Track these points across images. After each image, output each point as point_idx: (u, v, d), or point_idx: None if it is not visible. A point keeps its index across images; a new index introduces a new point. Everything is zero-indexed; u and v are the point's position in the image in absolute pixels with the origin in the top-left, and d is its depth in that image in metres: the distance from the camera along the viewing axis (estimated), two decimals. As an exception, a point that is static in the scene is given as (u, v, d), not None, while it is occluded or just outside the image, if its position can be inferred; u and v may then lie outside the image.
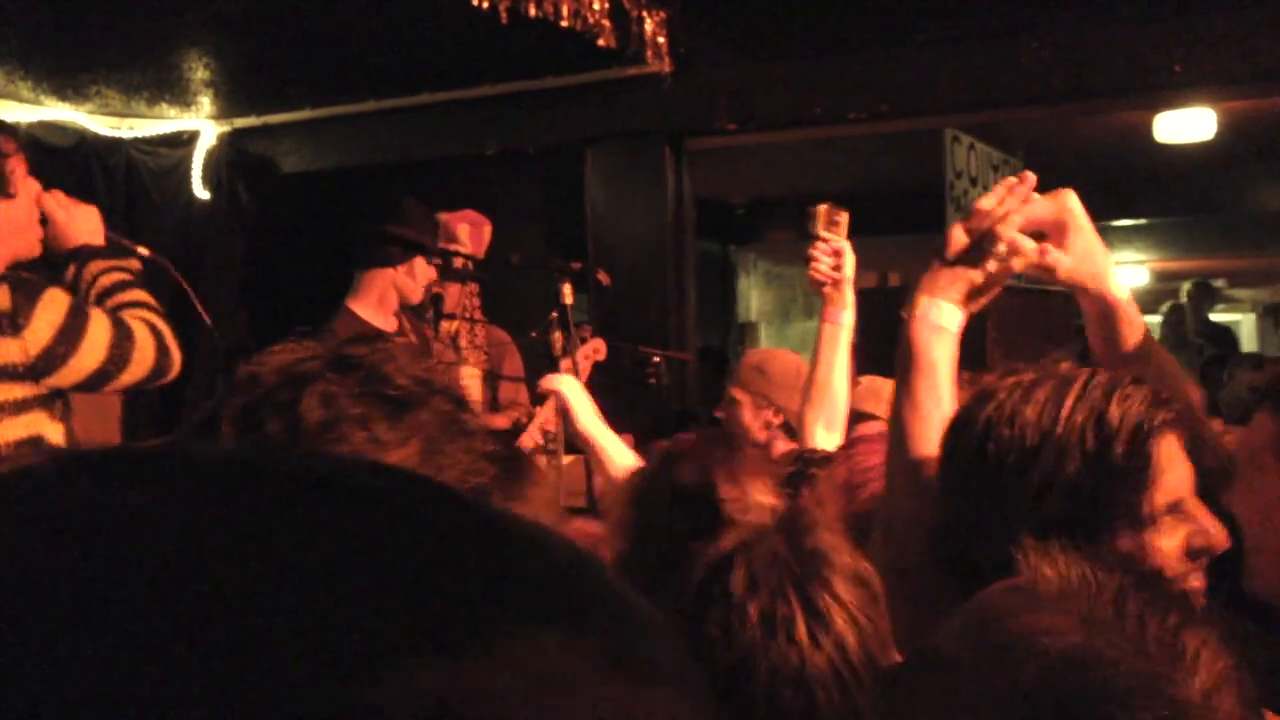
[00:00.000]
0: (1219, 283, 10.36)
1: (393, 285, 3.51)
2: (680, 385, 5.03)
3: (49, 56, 4.82)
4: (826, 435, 2.45)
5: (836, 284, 2.38)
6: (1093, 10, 4.47)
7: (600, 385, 3.98)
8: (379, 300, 3.50)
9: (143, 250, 2.71)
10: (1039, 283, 7.09)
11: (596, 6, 4.40)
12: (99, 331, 2.33)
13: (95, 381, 2.36)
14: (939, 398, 1.48)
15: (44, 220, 2.52)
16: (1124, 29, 4.43)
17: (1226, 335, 9.03)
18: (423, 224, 3.58)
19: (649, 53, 4.78)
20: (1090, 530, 1.12)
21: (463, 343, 3.86)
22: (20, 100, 5.19)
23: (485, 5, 3.95)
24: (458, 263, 3.99)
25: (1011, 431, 1.20)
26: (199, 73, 5.19)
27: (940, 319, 1.51)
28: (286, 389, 1.11)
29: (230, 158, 5.92)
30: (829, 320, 2.40)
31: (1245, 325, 13.79)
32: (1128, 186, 8.87)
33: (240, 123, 5.87)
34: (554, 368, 3.71)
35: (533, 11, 4.10)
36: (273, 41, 4.83)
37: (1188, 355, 7.80)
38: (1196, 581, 1.21)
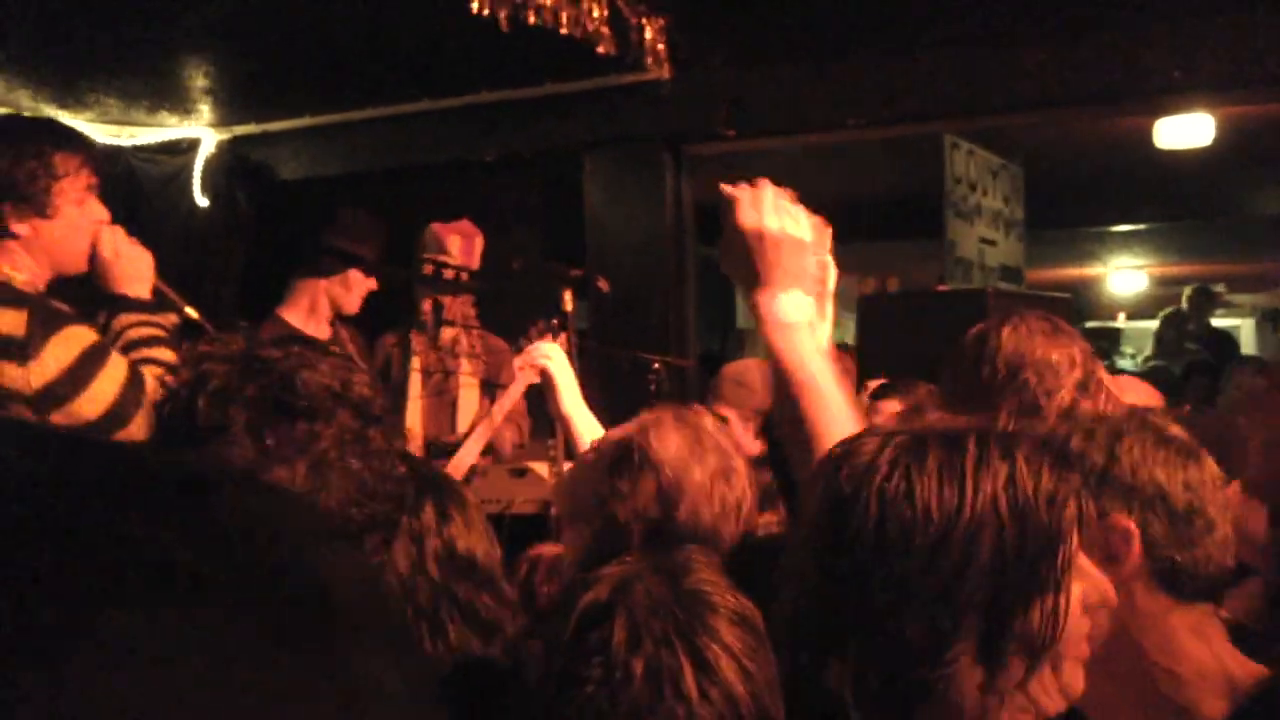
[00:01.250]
0: (1219, 288, 10.36)
1: (325, 294, 3.50)
2: (680, 391, 5.03)
3: (49, 65, 4.83)
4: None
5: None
6: (1091, 16, 4.47)
7: (600, 392, 3.98)
8: (310, 308, 3.49)
9: (190, 311, 2.61)
10: (1036, 288, 7.09)
11: (595, 14, 4.40)
12: (107, 384, 2.22)
13: (94, 430, 2.23)
14: (826, 403, 1.40)
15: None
16: (1123, 35, 4.43)
17: (1227, 341, 9.03)
18: (361, 235, 3.57)
19: (648, 59, 4.79)
20: (1006, 607, 1.03)
21: (460, 351, 3.86)
22: (20, 109, 5.20)
23: (485, 12, 3.96)
24: (448, 274, 3.98)
25: (914, 512, 1.04)
26: (198, 81, 5.20)
27: (787, 312, 1.45)
28: (188, 386, 1.10)
29: (230, 165, 5.92)
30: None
31: (1244, 330, 13.80)
32: (1127, 192, 8.87)
33: (240, 130, 5.88)
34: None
35: (532, 19, 4.10)
36: (272, 49, 4.84)
37: (1188, 361, 7.80)
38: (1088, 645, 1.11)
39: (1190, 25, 4.34)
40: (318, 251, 3.52)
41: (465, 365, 3.71)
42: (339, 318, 3.68)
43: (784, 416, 1.44)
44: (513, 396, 3.51)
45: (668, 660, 1.06)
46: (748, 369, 3.54)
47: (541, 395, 3.91)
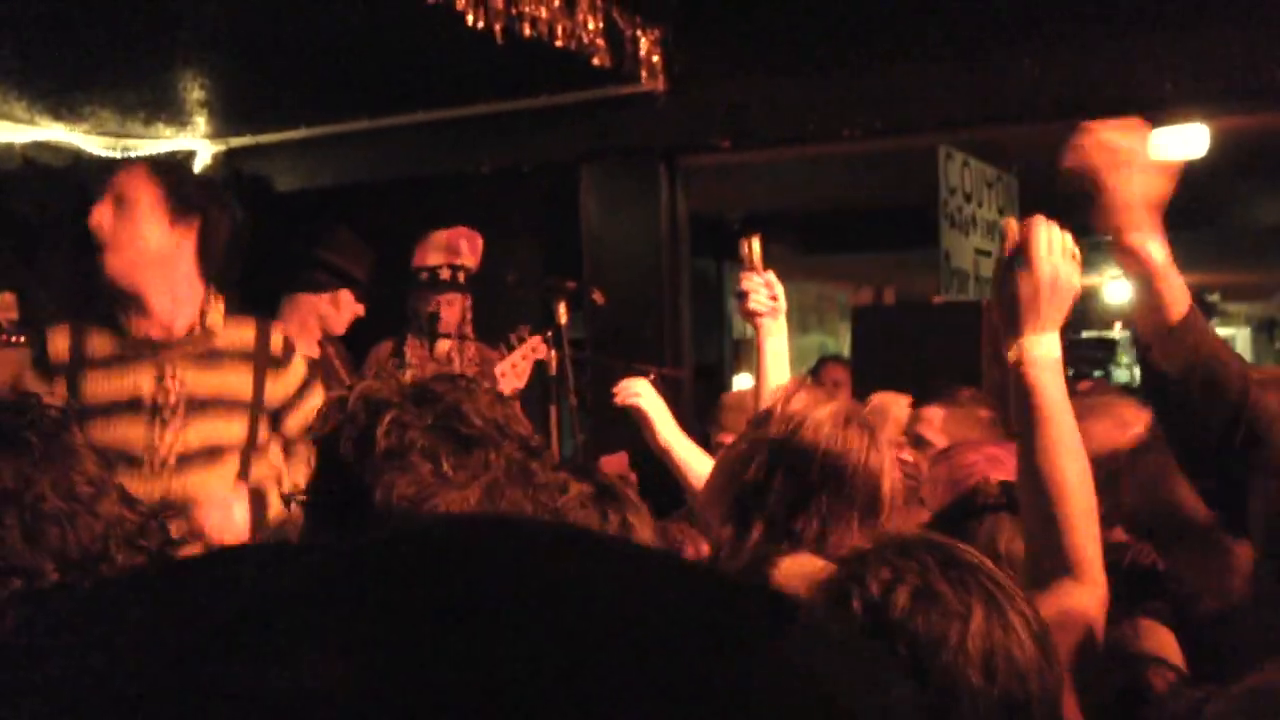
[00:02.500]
0: (1214, 297, 10.39)
1: (315, 312, 3.49)
2: (675, 402, 5.02)
3: (44, 77, 4.83)
4: None
5: (773, 313, 2.38)
6: (1085, 28, 4.49)
7: (595, 402, 3.98)
8: (300, 326, 3.47)
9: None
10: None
11: (591, 26, 4.41)
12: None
13: None
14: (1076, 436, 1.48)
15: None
16: (1116, 46, 4.45)
17: (1221, 350, 9.03)
18: (354, 255, 3.57)
19: (643, 71, 4.80)
20: None
21: (455, 361, 3.85)
22: (16, 121, 5.20)
23: (480, 25, 3.97)
24: (461, 277, 3.97)
25: None
26: (194, 93, 5.20)
27: (1047, 352, 1.50)
28: (363, 414, 1.15)
29: (225, 177, 5.93)
30: (767, 350, 2.40)
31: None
32: (1122, 202, 8.87)
33: (235, 142, 5.89)
34: (546, 385, 3.72)
35: (527, 31, 4.12)
36: (267, 61, 4.84)
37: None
38: None
39: (1184, 36, 4.36)
40: (311, 267, 3.51)
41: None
42: (326, 337, 3.66)
43: (1025, 453, 1.49)
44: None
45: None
46: (746, 395, 3.54)
47: (536, 403, 3.92)
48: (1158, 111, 5.02)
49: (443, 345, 3.99)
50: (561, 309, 3.68)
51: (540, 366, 3.80)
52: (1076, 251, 1.53)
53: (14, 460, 1.21)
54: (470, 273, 4.03)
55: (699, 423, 5.00)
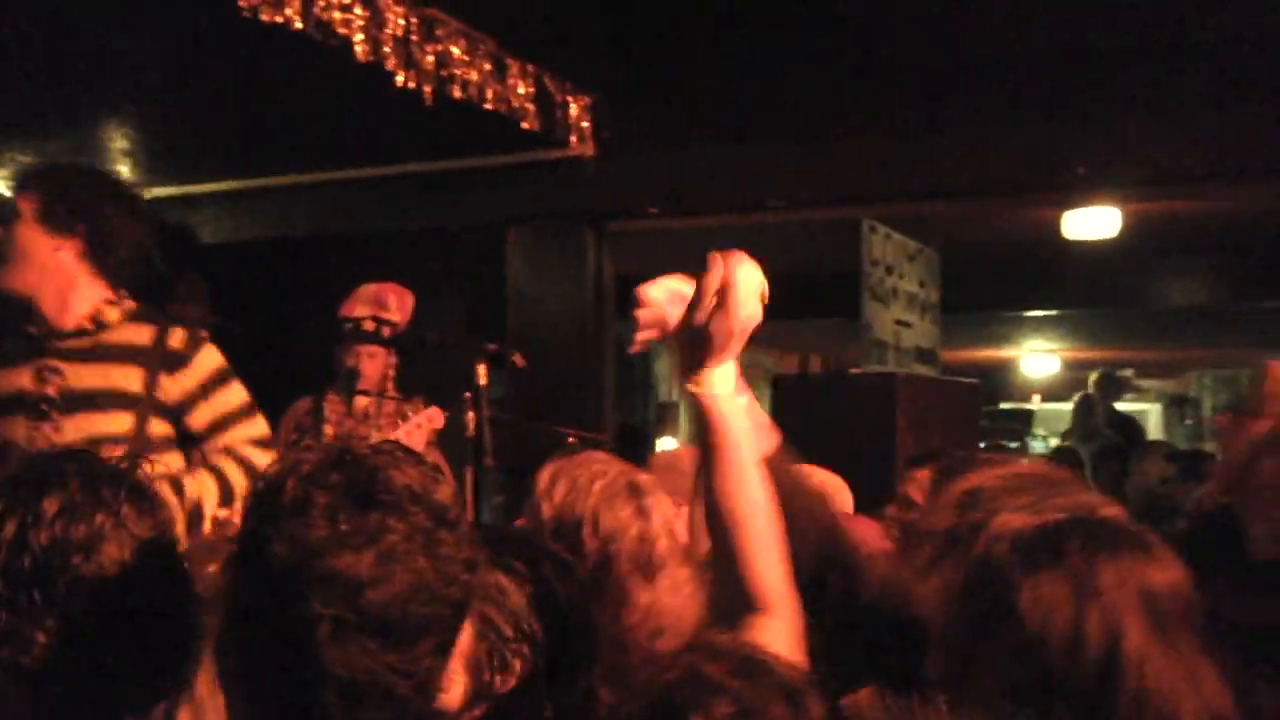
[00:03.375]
0: (1127, 373, 10.65)
1: None
2: (597, 466, 5.02)
3: (-36, 122, 4.76)
4: None
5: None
6: (1005, 112, 4.63)
7: (514, 465, 3.96)
8: None
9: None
10: (951, 370, 7.24)
11: (521, 90, 4.46)
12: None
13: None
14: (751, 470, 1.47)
15: None
16: (1032, 131, 4.59)
17: (1130, 425, 9.26)
18: (187, 297, 3.54)
19: (573, 136, 4.85)
20: None
21: (371, 418, 3.81)
22: (-67, 164, 5.11)
23: (410, 85, 3.99)
24: (385, 331, 3.96)
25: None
26: (118, 142, 5.15)
27: (726, 384, 1.48)
28: (285, 470, 1.18)
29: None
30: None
31: (1152, 414, 14.18)
32: (1038, 279, 9.12)
33: (160, 191, 5.82)
34: (463, 448, 3.69)
35: (458, 94, 4.14)
36: (195, 112, 4.81)
37: (1099, 445, 7.97)
38: None
39: (1098, 123, 4.52)
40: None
41: (376, 435, 3.67)
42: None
43: (705, 485, 1.48)
44: None
45: None
46: (678, 455, 3.55)
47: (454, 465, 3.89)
48: (1072, 193, 5.20)
49: (361, 402, 3.96)
50: (481, 370, 3.66)
51: (458, 429, 3.77)
52: (765, 289, 1.52)
53: None
54: (397, 329, 4.01)
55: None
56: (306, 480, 1.16)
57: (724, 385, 1.47)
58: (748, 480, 1.45)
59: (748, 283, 1.47)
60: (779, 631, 1.44)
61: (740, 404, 1.50)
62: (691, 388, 1.47)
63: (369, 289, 4.04)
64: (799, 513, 1.58)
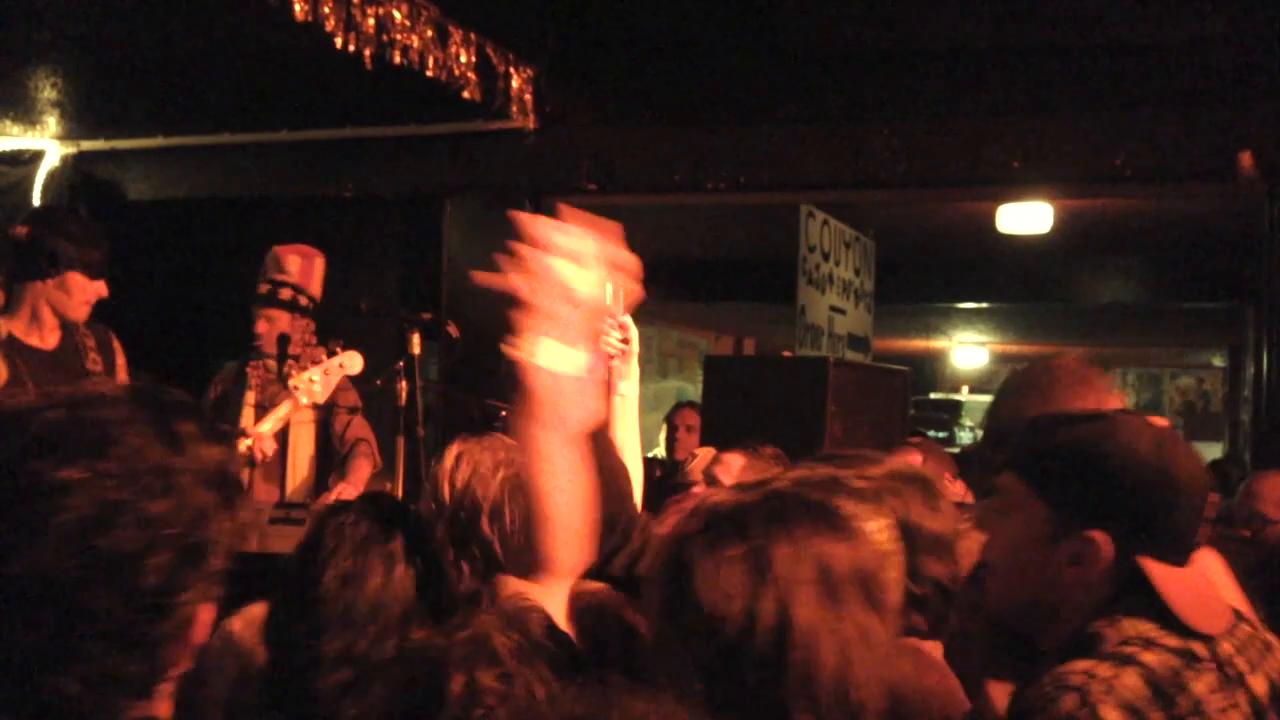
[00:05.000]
0: (1053, 367, 10.85)
1: (44, 299, 3.36)
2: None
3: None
4: None
5: (625, 356, 2.40)
6: (941, 105, 4.68)
7: (446, 437, 3.94)
8: (31, 314, 3.34)
9: None
10: (883, 359, 7.33)
11: (463, 59, 4.41)
12: None
13: None
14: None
15: None
16: (969, 124, 4.65)
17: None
18: (83, 240, 3.45)
19: (514, 108, 4.81)
20: None
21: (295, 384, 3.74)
22: None
23: (350, 48, 3.92)
24: (285, 294, 3.91)
25: None
26: (46, 92, 5.01)
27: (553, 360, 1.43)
28: None
29: (74, 180, 5.71)
30: (616, 392, 2.42)
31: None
32: (971, 271, 9.26)
33: (87, 145, 5.68)
34: (397, 417, 3.66)
35: (397, 59, 4.09)
36: (127, 64, 4.69)
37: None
38: None
39: (1031, 120, 4.58)
40: (37, 254, 3.35)
41: (301, 399, 3.61)
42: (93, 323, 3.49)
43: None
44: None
45: None
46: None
47: (386, 433, 3.87)
48: (1004, 188, 5.28)
49: (272, 365, 3.91)
50: (415, 340, 3.64)
51: (391, 397, 3.74)
52: (630, 266, 1.50)
53: None
54: (301, 291, 3.94)
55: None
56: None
57: (545, 357, 1.41)
58: (548, 448, 1.42)
59: (574, 255, 1.43)
60: (557, 595, 1.48)
61: (558, 379, 1.43)
62: (506, 349, 1.43)
63: (273, 251, 3.99)
64: (610, 488, 1.60)
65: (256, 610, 1.85)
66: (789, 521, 1.27)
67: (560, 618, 1.47)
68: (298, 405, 3.60)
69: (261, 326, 3.94)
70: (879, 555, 1.37)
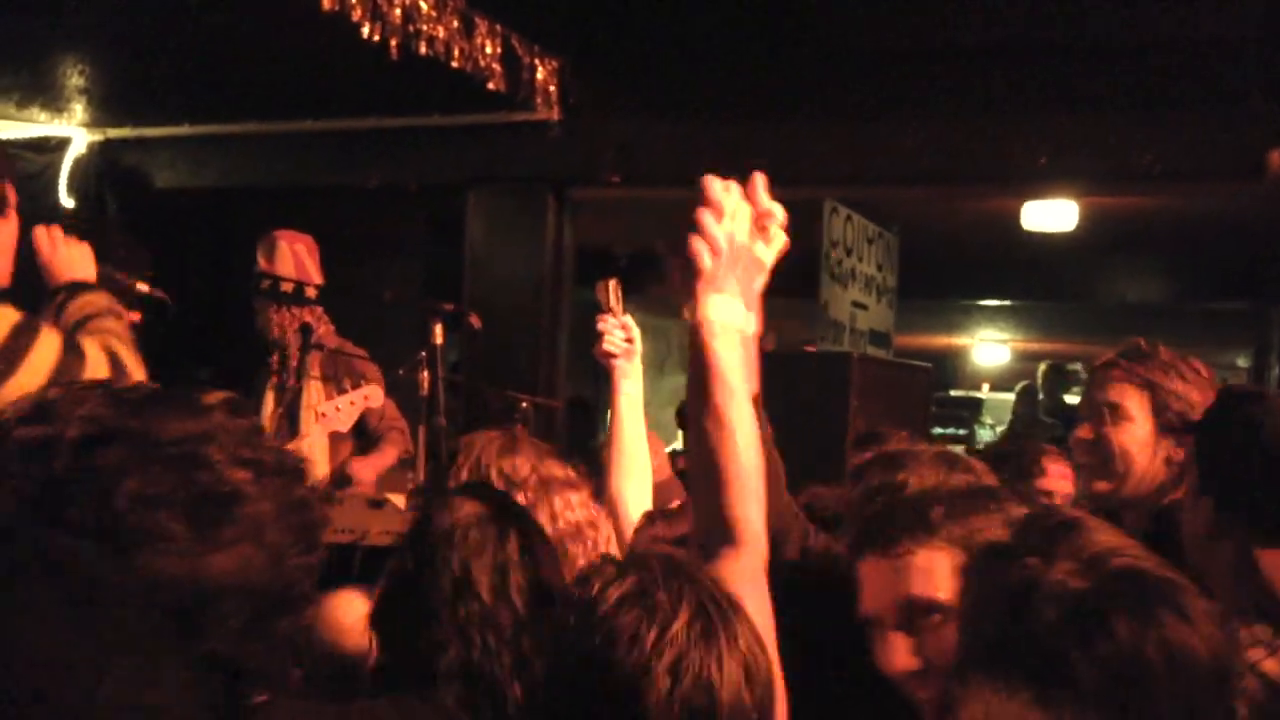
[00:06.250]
0: (1076, 366, 10.77)
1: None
2: (548, 433, 5.02)
3: (-88, 50, 4.63)
4: (638, 502, 2.46)
5: (628, 355, 2.40)
6: (967, 101, 4.66)
7: (465, 427, 3.94)
8: None
9: (141, 286, 2.78)
10: (904, 355, 7.30)
11: (489, 50, 4.41)
12: (44, 353, 2.26)
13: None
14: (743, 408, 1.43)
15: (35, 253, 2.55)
16: (995, 121, 4.62)
17: (1073, 415, 9.37)
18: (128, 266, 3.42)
19: (538, 99, 4.81)
20: None
21: (313, 371, 3.75)
22: (-121, 90, 4.98)
23: (376, 38, 3.93)
24: (264, 285, 3.86)
25: None
26: (73, 79, 5.04)
27: (723, 315, 1.43)
28: (91, 477, 0.85)
29: (101, 168, 5.74)
30: (621, 392, 2.42)
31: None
32: (995, 268, 9.21)
33: (114, 133, 5.71)
34: (417, 406, 3.67)
35: (424, 49, 4.09)
36: (155, 53, 4.72)
37: (1038, 434, 8.07)
38: None
39: (1057, 117, 4.55)
40: None
41: (317, 385, 3.62)
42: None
43: (694, 417, 1.45)
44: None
45: None
46: None
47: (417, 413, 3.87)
48: (1030, 185, 5.25)
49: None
50: (437, 330, 3.64)
51: (413, 387, 3.75)
52: (780, 219, 1.52)
53: None
54: (288, 281, 3.87)
55: (570, 455, 4.99)
56: (138, 497, 0.86)
57: (717, 313, 1.43)
58: (735, 411, 1.40)
59: (725, 205, 1.47)
60: (749, 567, 1.42)
61: (736, 337, 1.44)
62: (685, 314, 1.44)
63: (265, 241, 3.96)
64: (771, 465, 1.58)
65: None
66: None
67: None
68: (322, 432, 3.61)
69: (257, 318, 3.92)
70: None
